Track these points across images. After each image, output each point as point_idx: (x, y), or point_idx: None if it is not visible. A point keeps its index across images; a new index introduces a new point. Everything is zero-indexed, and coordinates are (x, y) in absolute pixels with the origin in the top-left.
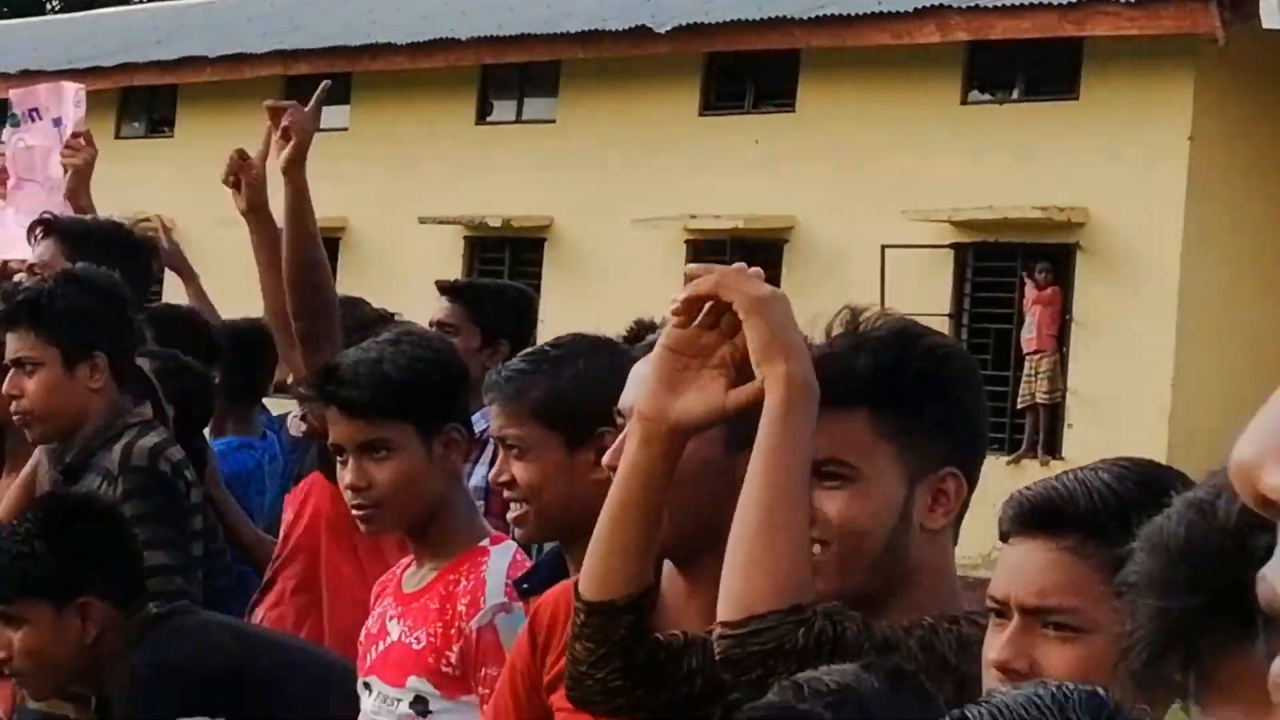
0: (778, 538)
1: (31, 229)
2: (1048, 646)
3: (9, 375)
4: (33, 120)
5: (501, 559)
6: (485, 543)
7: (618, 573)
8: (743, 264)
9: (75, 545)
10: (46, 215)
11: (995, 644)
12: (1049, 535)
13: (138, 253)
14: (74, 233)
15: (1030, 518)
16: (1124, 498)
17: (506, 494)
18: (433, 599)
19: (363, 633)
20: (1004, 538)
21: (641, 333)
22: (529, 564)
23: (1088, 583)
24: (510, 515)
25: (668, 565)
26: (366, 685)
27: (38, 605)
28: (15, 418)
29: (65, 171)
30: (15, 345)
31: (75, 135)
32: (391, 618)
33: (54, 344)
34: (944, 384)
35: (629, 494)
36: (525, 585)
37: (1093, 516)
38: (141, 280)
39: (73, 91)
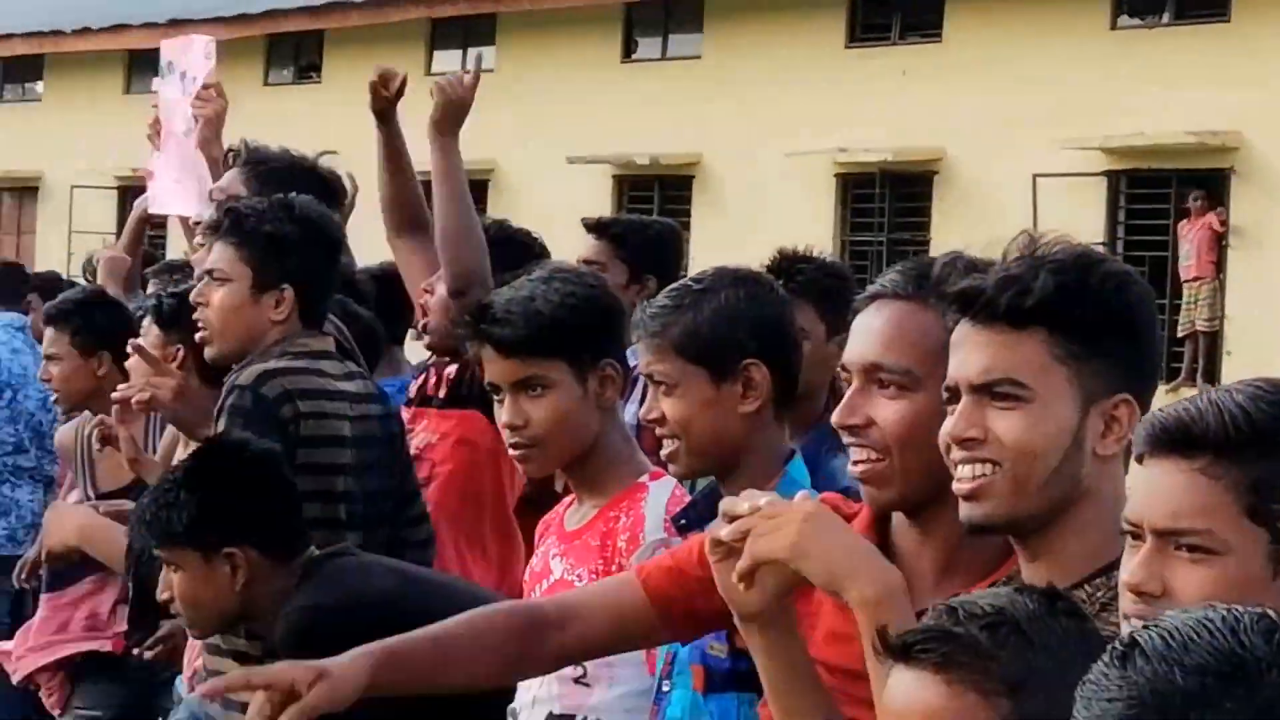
0: None
1: (225, 155)
2: (1180, 568)
3: (201, 283)
4: (170, 72)
5: (660, 494)
6: (644, 479)
7: None
8: (761, 502)
9: (220, 495)
10: (234, 147)
11: (1129, 566)
12: (1181, 456)
13: (325, 189)
14: (260, 163)
15: (1162, 439)
16: (1256, 419)
17: (658, 431)
18: (593, 536)
19: (527, 571)
20: (1138, 459)
21: (784, 264)
22: (688, 499)
23: (1220, 504)
24: (663, 452)
25: (898, 517)
26: None
27: (187, 552)
28: (199, 329)
29: (196, 122)
30: (213, 255)
31: (206, 87)
32: (555, 555)
33: (248, 264)
34: (1123, 309)
35: (777, 684)
36: (683, 521)
37: (1225, 437)
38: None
39: (202, 44)
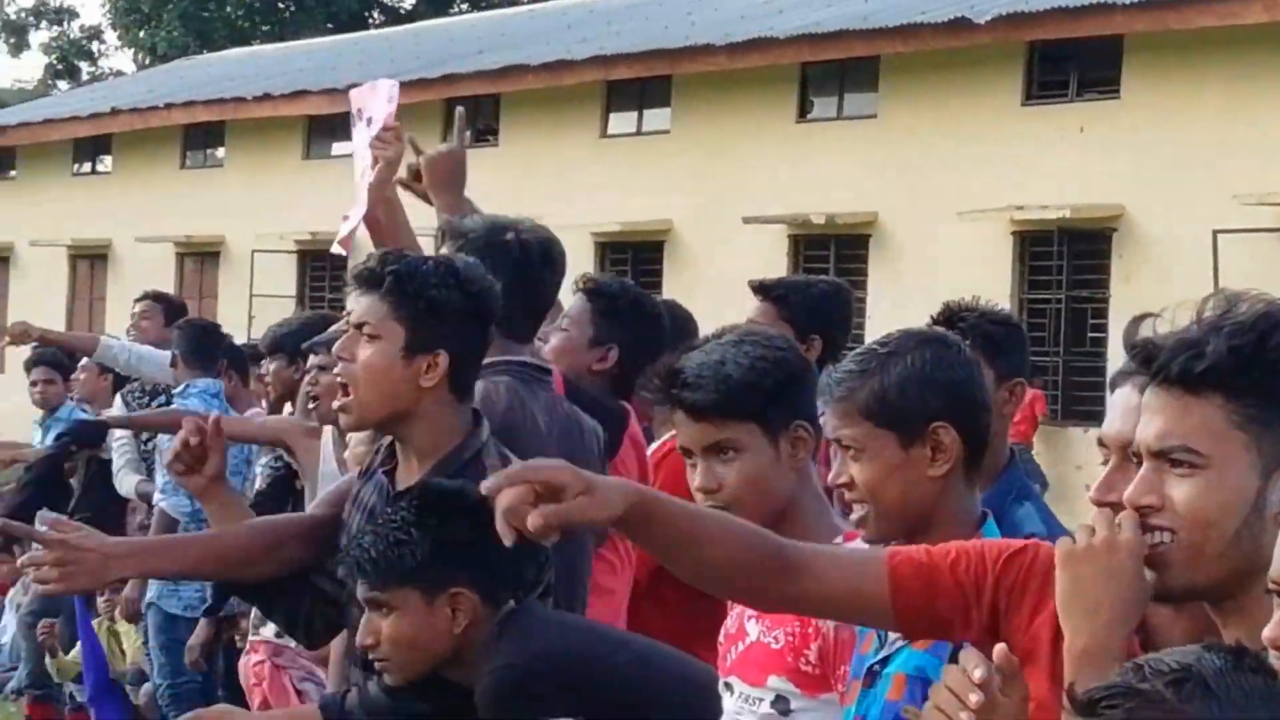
0: None
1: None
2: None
3: (345, 336)
4: (359, 119)
5: None
6: (838, 540)
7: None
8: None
9: (450, 536)
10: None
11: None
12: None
13: (529, 255)
14: (460, 236)
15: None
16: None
17: (847, 496)
18: None
19: (722, 633)
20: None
21: (949, 314)
22: None
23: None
24: (852, 517)
25: None
26: (728, 685)
27: (410, 593)
28: (340, 382)
29: (373, 162)
30: (364, 309)
31: (386, 129)
32: (750, 617)
33: (401, 323)
34: None
35: None
36: None
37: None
38: (519, 287)
39: (387, 87)
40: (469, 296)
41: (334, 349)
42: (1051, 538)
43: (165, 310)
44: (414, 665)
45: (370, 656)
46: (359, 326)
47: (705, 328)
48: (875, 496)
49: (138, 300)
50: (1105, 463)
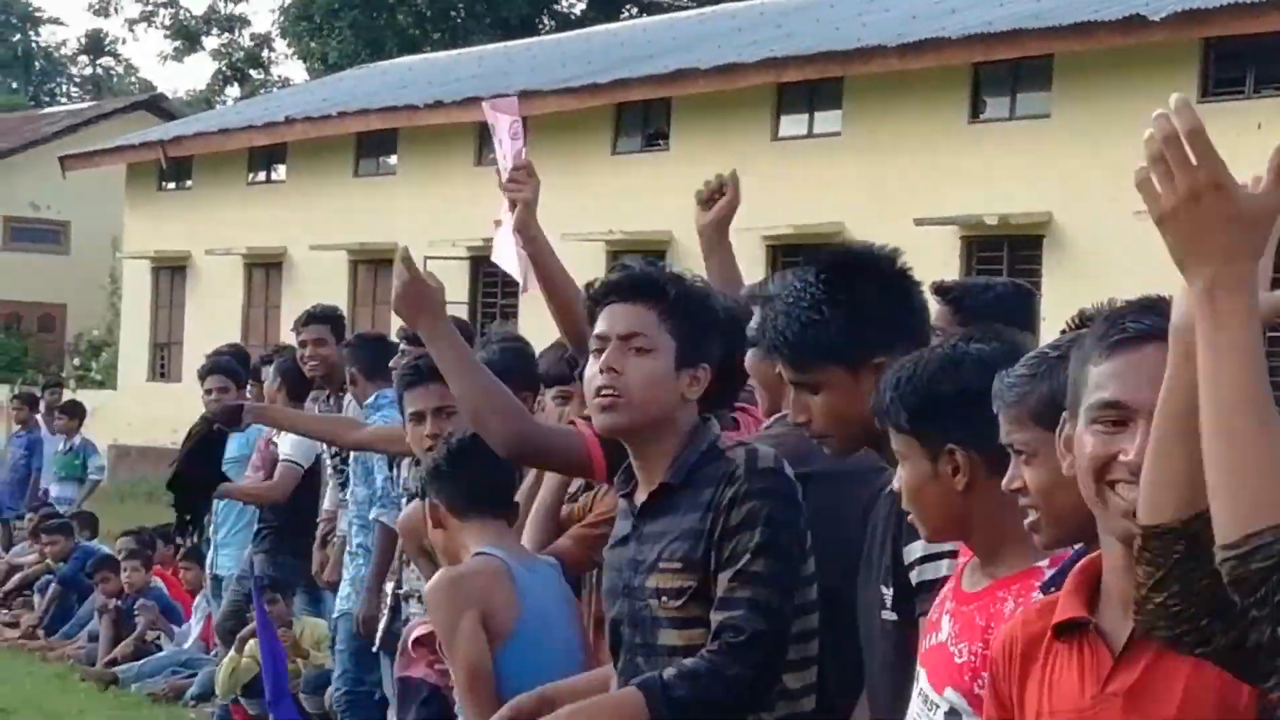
0: (1247, 453)
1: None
2: None
3: (610, 349)
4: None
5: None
6: (1044, 563)
7: (1167, 500)
8: None
9: (864, 309)
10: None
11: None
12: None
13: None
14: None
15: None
16: None
17: (1021, 501)
18: (981, 613)
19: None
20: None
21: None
22: None
23: None
24: (1025, 522)
25: None
26: (919, 671)
27: (832, 369)
28: (604, 395)
29: (510, 205)
30: (633, 320)
31: (517, 168)
32: (947, 612)
33: (673, 336)
34: None
35: (1173, 420)
36: (1052, 589)
37: None
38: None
39: (506, 124)
40: (730, 317)
41: (604, 361)
42: None
43: (332, 329)
44: (848, 436)
45: (808, 433)
46: (626, 337)
47: None
48: (1047, 502)
49: (303, 325)
50: None
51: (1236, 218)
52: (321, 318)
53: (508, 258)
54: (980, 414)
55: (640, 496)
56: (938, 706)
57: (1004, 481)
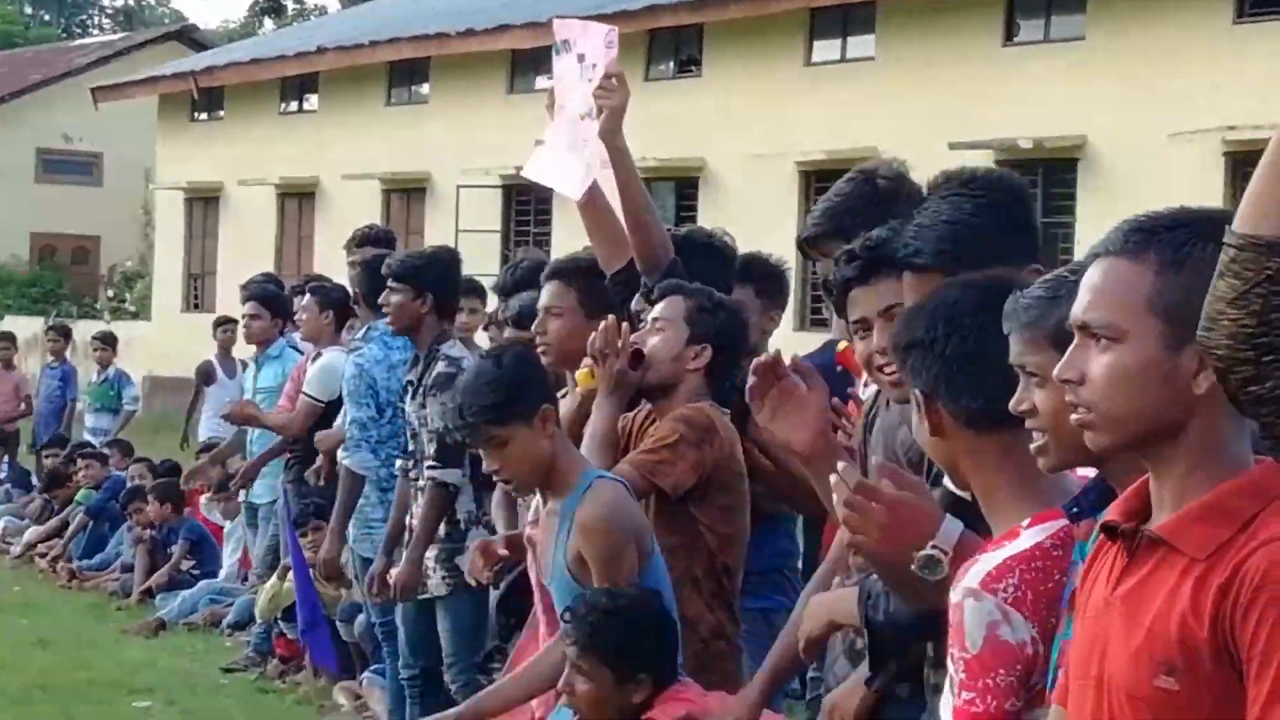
0: None
1: None
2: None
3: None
4: (566, 51)
5: (1015, 546)
6: (1025, 523)
7: (1272, 213)
8: None
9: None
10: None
11: None
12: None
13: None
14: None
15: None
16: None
17: (1028, 423)
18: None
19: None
20: None
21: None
22: (1052, 551)
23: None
24: (1031, 446)
25: None
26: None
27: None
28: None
29: (598, 111)
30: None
31: (609, 76)
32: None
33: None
34: None
35: None
36: (1075, 510)
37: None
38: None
39: (604, 32)
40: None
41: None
42: None
43: (321, 301)
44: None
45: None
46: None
47: None
48: (1058, 425)
49: (356, 246)
50: None
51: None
52: (376, 239)
53: (553, 173)
54: (934, 359)
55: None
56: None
57: (1012, 403)
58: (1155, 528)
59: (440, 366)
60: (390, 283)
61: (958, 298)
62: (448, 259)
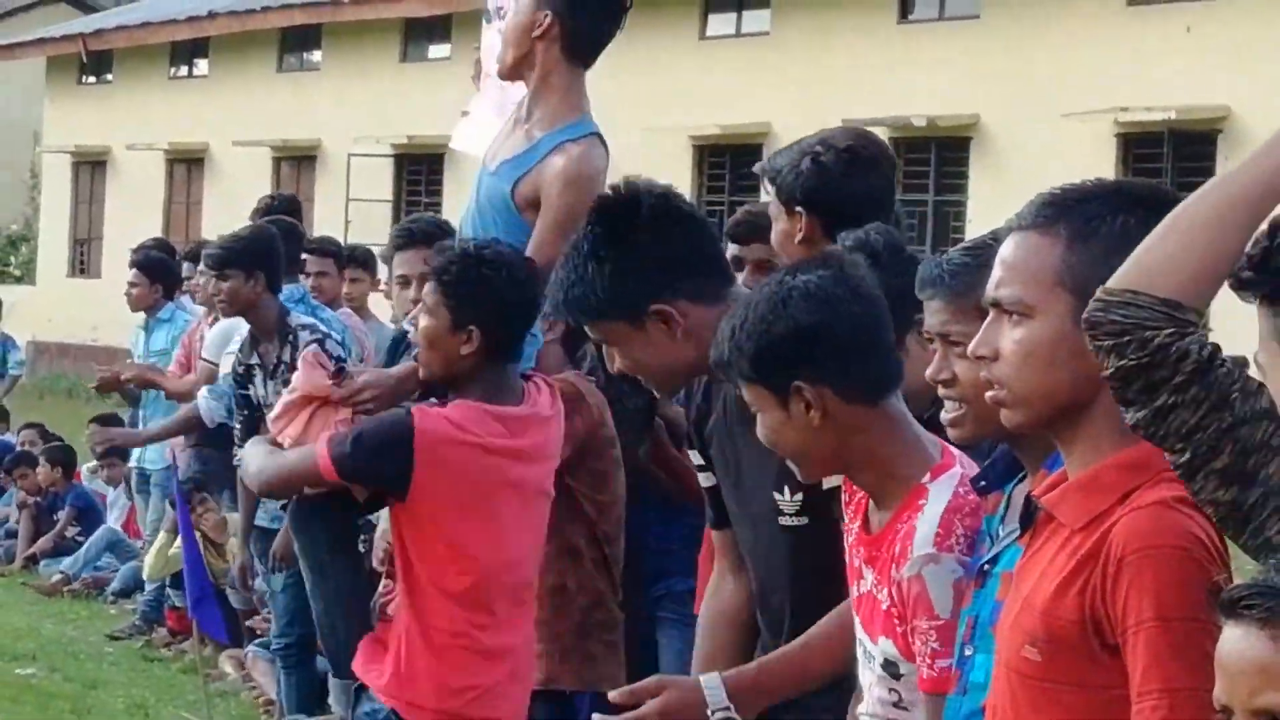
0: (1196, 237)
1: None
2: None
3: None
4: (499, 19)
5: (938, 501)
6: (926, 479)
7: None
8: None
9: (629, 258)
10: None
11: None
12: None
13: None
14: None
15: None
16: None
17: (942, 392)
18: (888, 550)
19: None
20: None
21: None
22: (968, 496)
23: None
24: (945, 416)
25: None
26: (855, 614)
27: (610, 324)
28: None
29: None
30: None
31: None
32: (863, 560)
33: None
34: None
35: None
36: (983, 483)
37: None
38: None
39: None
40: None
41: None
42: None
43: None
44: (669, 381)
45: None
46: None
47: None
48: (979, 397)
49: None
50: None
51: None
52: (281, 208)
53: (481, 140)
54: (818, 347)
55: None
56: (873, 657)
57: (930, 372)
58: (1043, 498)
59: (306, 336)
60: (218, 271)
61: (831, 289)
62: (268, 235)
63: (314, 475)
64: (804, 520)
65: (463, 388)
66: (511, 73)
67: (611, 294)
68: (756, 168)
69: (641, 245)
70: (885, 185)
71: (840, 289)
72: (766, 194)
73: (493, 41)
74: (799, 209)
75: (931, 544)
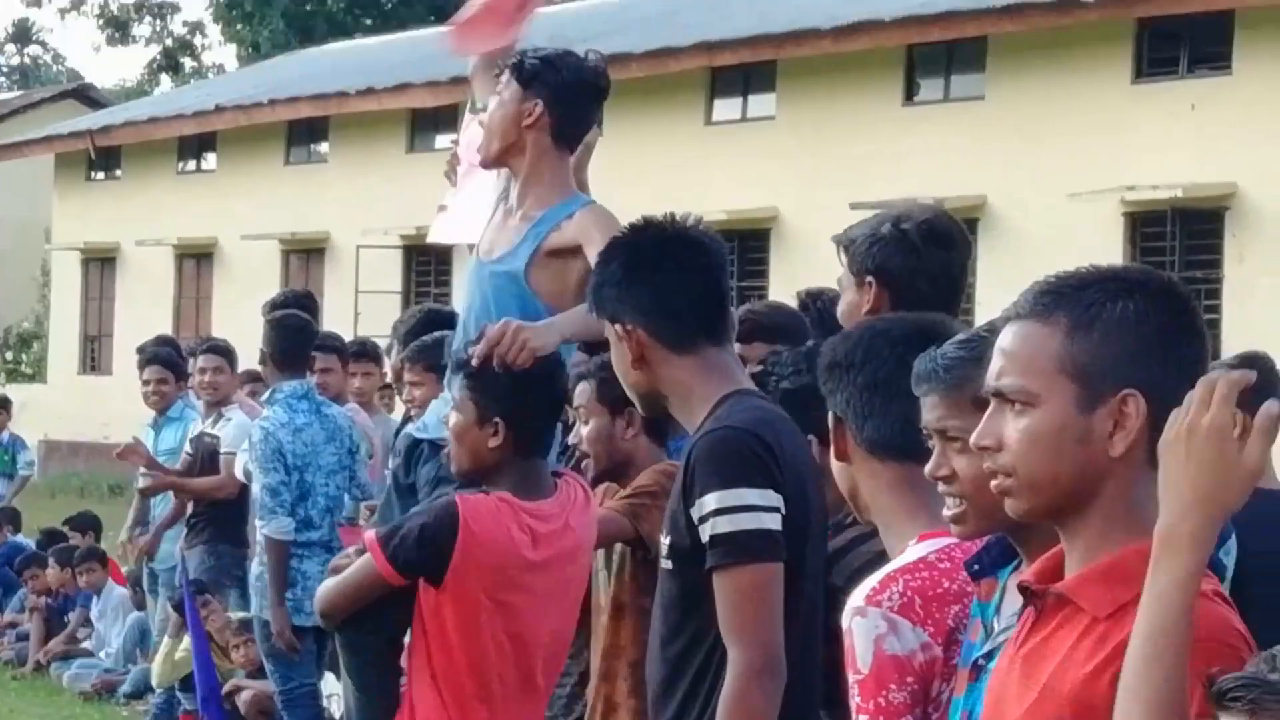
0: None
1: None
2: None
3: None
4: (484, 110)
5: (906, 558)
6: (912, 541)
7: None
8: None
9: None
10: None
11: None
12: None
13: None
14: None
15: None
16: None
17: (943, 489)
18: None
19: None
20: None
21: None
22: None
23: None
24: (946, 512)
25: None
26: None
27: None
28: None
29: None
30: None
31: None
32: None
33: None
34: None
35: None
36: (975, 567)
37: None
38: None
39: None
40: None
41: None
42: None
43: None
44: None
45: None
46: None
47: None
48: (980, 493)
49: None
50: None
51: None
52: (297, 303)
53: (459, 228)
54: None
55: None
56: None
57: (929, 468)
58: (1058, 585)
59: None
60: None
61: (885, 329)
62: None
63: (375, 581)
64: (668, 565)
65: (492, 481)
66: (495, 162)
67: (600, 294)
68: (833, 237)
69: (633, 264)
70: (960, 264)
71: (891, 342)
72: (840, 264)
73: (474, 135)
74: (869, 279)
75: (863, 597)
